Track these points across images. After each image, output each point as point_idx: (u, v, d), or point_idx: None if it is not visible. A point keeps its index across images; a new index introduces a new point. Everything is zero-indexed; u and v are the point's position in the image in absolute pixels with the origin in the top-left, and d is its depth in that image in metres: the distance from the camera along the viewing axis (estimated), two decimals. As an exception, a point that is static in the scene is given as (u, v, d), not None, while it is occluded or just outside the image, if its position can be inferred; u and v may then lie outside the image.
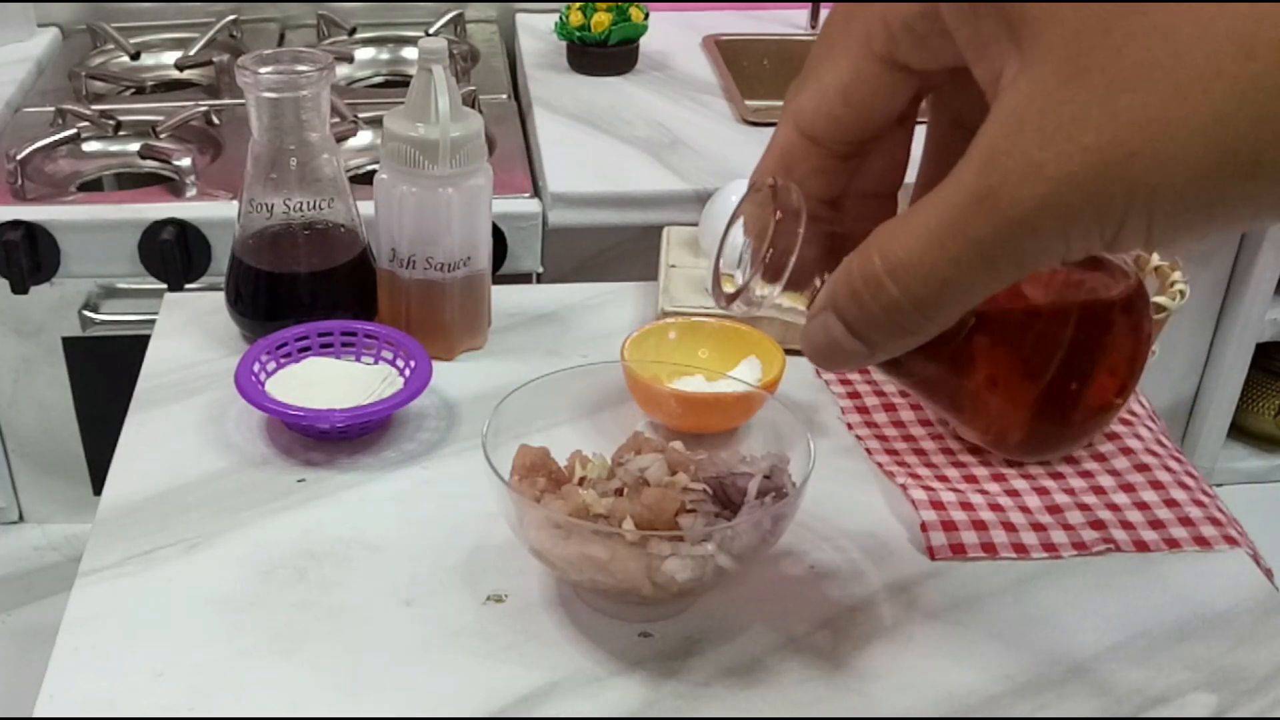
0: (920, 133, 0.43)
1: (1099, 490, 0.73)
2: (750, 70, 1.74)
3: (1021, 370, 0.41)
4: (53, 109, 1.48)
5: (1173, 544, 0.69)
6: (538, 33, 1.70)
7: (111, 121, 1.45)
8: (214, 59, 1.60)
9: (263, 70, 0.76)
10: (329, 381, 0.76)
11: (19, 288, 1.30)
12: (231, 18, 1.71)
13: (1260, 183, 0.30)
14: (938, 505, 0.70)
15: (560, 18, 1.58)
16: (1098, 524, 0.70)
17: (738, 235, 0.43)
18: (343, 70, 1.68)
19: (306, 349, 0.79)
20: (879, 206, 0.43)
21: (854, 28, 0.38)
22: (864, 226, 0.38)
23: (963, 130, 0.38)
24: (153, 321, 0.88)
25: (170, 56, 1.67)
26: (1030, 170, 0.31)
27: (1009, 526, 0.70)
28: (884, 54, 0.38)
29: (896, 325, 0.36)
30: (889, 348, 0.38)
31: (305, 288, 0.82)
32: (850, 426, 0.78)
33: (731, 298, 0.42)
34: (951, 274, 0.34)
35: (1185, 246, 0.33)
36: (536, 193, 1.33)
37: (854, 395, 0.81)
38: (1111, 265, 0.41)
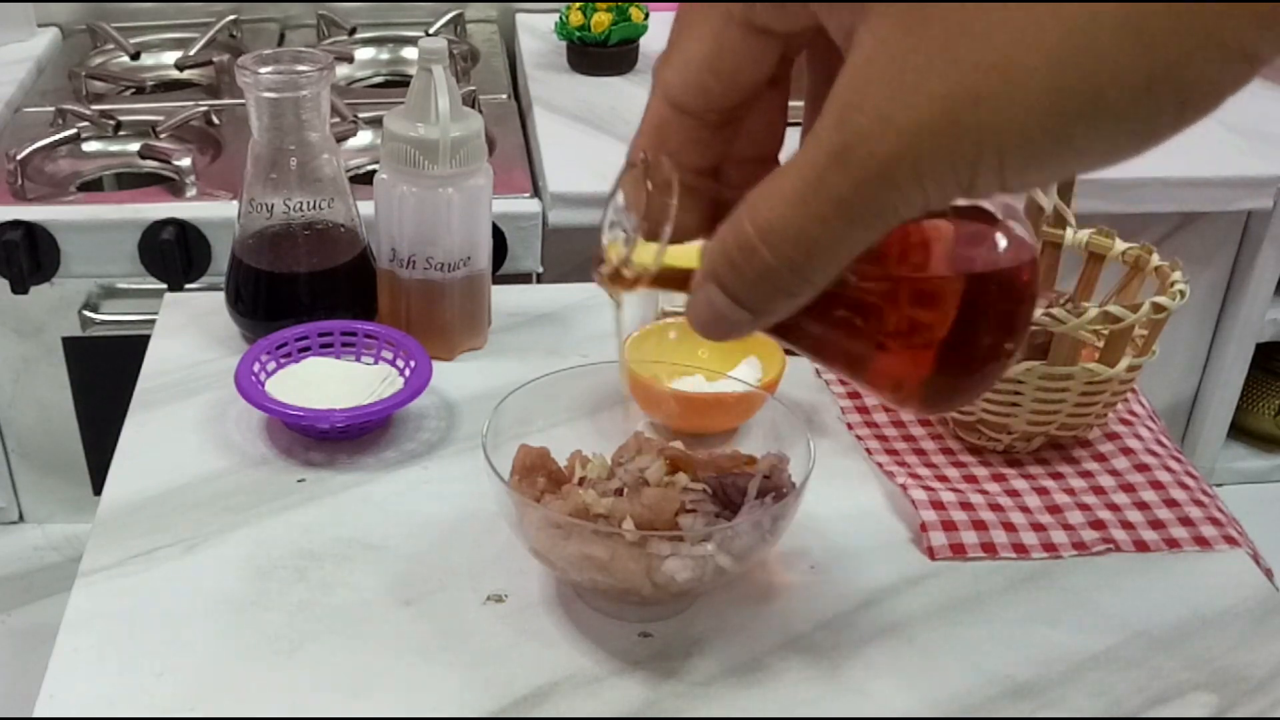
0: None
1: (1099, 490, 0.73)
2: (750, 70, 1.74)
3: (916, 329, 0.41)
4: (53, 109, 1.48)
5: (1173, 544, 0.69)
6: (538, 33, 1.70)
7: (111, 121, 1.45)
8: (214, 59, 1.60)
9: (263, 70, 0.76)
10: (329, 381, 0.76)
11: (19, 288, 1.30)
12: (231, 18, 1.71)
13: (1105, 121, 0.30)
14: (938, 505, 0.70)
15: (560, 18, 1.58)
16: (1098, 524, 0.70)
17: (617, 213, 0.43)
18: (343, 70, 1.68)
19: (306, 349, 0.79)
20: (761, 171, 0.43)
21: None
22: (746, 193, 0.38)
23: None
24: (153, 321, 0.88)
25: (170, 56, 1.67)
26: (880, 123, 0.32)
27: (1009, 526, 0.70)
28: (743, 20, 0.38)
29: (775, 289, 0.37)
30: (772, 312, 0.38)
31: (305, 288, 0.82)
32: (850, 426, 0.78)
33: (610, 277, 0.42)
34: (819, 233, 0.34)
35: (1040, 184, 0.33)
36: (536, 193, 1.33)
37: (854, 395, 0.81)
38: (994, 217, 0.41)
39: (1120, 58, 0.29)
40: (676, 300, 0.86)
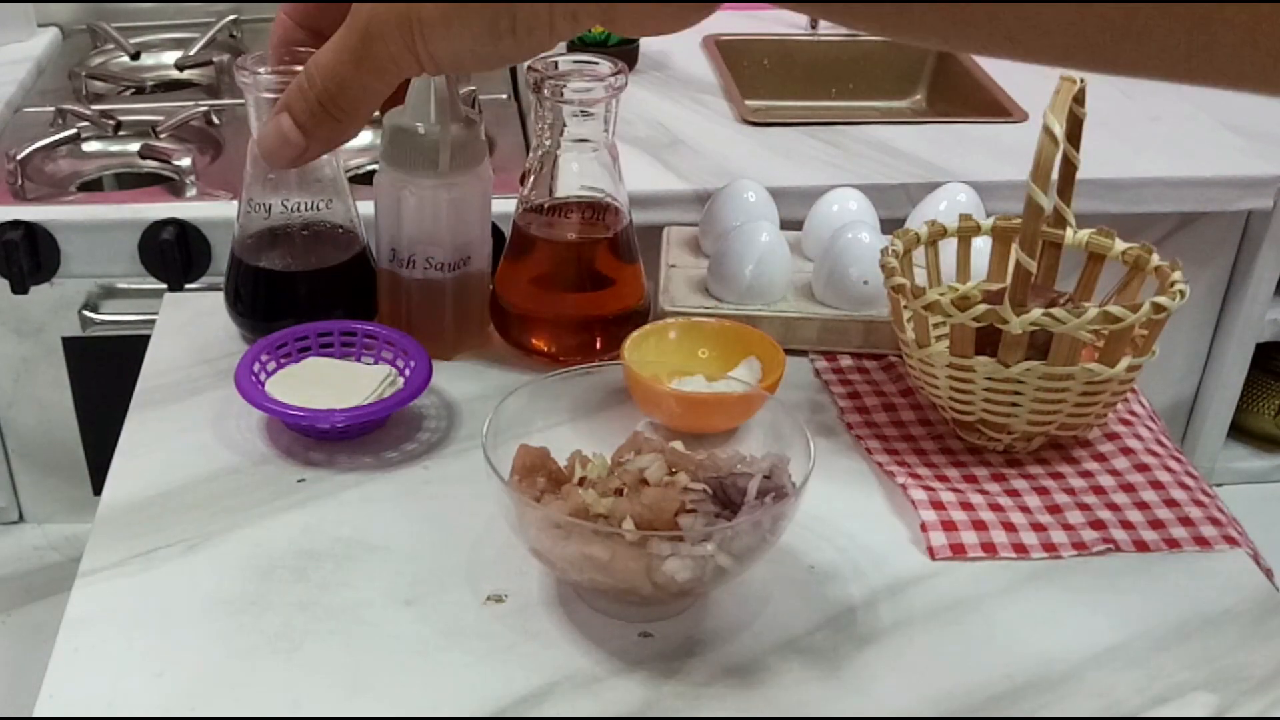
0: None
1: (1099, 490, 0.73)
2: (750, 70, 1.74)
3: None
4: (53, 109, 1.48)
5: (1173, 544, 0.69)
6: (538, 33, 1.70)
7: (111, 121, 1.45)
8: (214, 59, 1.60)
9: (262, 70, 0.76)
10: (329, 381, 0.76)
11: (19, 288, 1.30)
12: (231, 18, 1.71)
13: (465, 24, 0.46)
14: (938, 505, 0.70)
15: (560, 18, 1.58)
16: (1098, 524, 0.70)
17: None
18: (343, 70, 1.68)
19: (306, 349, 0.79)
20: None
21: None
22: None
23: None
24: (153, 321, 0.88)
25: (170, 56, 1.68)
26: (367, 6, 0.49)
27: (1009, 526, 0.70)
28: None
29: (324, 113, 0.52)
30: (321, 136, 0.53)
31: (304, 287, 0.82)
32: (850, 426, 0.78)
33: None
34: (345, 72, 0.50)
35: (463, 56, 0.47)
36: (536, 193, 1.32)
37: (854, 395, 0.81)
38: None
39: None
40: (677, 300, 0.86)
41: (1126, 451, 0.76)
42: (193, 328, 0.87)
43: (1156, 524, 0.70)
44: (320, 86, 0.51)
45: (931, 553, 0.68)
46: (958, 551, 0.68)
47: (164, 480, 0.72)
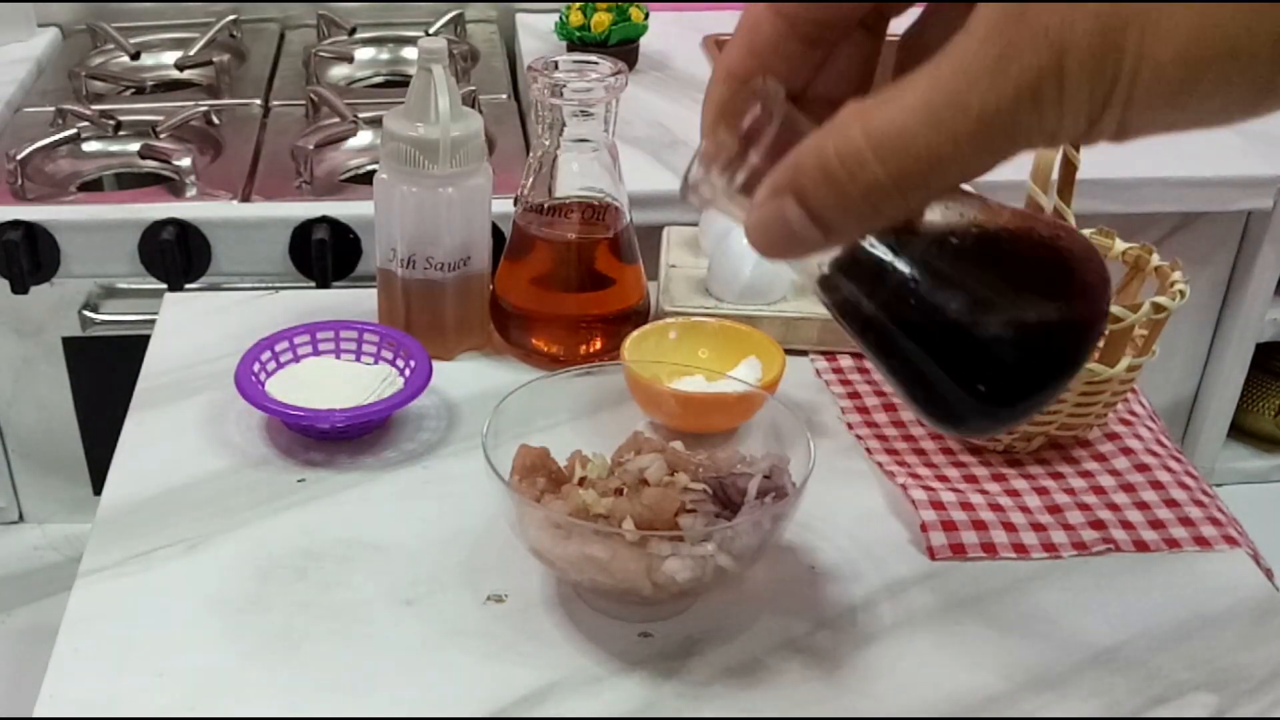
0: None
1: (1099, 490, 0.73)
2: (750, 70, 1.74)
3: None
4: (53, 109, 1.48)
5: (1173, 544, 0.69)
6: (538, 33, 1.70)
7: (111, 121, 1.44)
8: (214, 59, 1.60)
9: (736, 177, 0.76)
10: (329, 381, 0.76)
11: (19, 288, 1.30)
12: (231, 18, 1.71)
13: (1232, 71, 0.31)
14: (938, 505, 0.70)
15: (560, 18, 1.58)
16: (1098, 524, 0.70)
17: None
18: (343, 70, 1.68)
19: (307, 349, 0.79)
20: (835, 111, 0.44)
21: None
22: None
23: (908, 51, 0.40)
24: (153, 321, 0.88)
25: (170, 56, 1.67)
26: (1037, 35, 0.32)
27: (1009, 526, 0.70)
28: None
29: (871, 207, 0.35)
30: (849, 234, 0.37)
31: None
32: (850, 426, 0.78)
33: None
34: (948, 150, 0.33)
35: (1152, 131, 0.34)
36: (536, 193, 1.33)
37: (854, 395, 0.81)
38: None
39: (1262, 8, 0.30)
40: (677, 300, 0.86)
41: (1126, 451, 0.76)
42: (193, 328, 0.87)
43: (1156, 524, 0.70)
44: (882, 170, 0.34)
45: (931, 553, 0.68)
46: (958, 551, 0.68)
47: (164, 480, 0.72)
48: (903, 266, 0.38)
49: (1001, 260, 0.40)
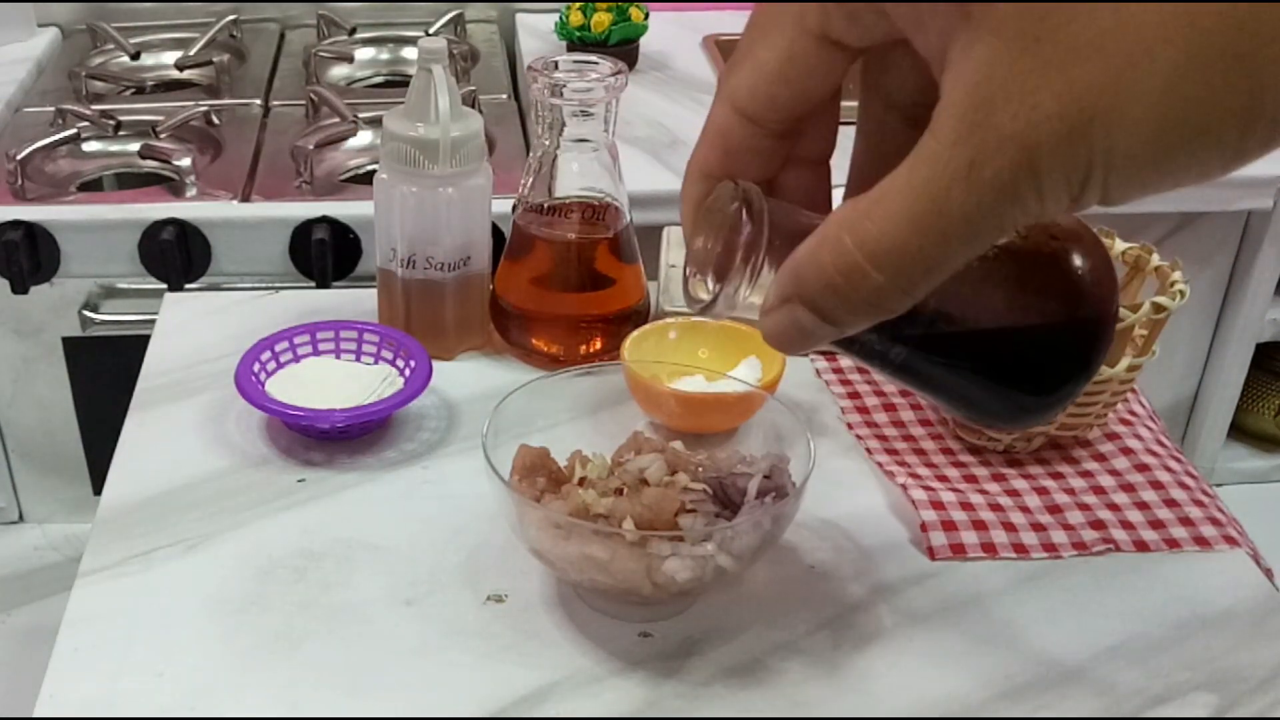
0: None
1: (1099, 490, 0.73)
2: (750, 70, 1.74)
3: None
4: (53, 109, 1.48)
5: (1173, 544, 0.69)
6: (538, 33, 1.70)
7: (111, 121, 1.44)
8: (214, 59, 1.60)
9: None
10: (329, 381, 0.76)
11: (19, 288, 1.30)
12: (231, 18, 1.71)
13: (1206, 146, 0.31)
14: (938, 505, 0.70)
15: (560, 18, 1.58)
16: (1098, 524, 0.70)
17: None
18: (343, 70, 1.68)
19: (307, 349, 0.79)
20: (812, 175, 0.44)
21: (788, 6, 0.39)
22: (800, 199, 0.40)
23: (895, 111, 0.40)
24: (153, 321, 0.88)
25: (170, 56, 1.67)
26: (1004, 140, 0.32)
27: (1009, 526, 0.70)
28: (818, 31, 0.38)
29: (878, 307, 0.36)
30: (861, 327, 0.38)
31: None
32: (850, 426, 0.78)
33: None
34: (939, 253, 0.34)
35: (1134, 199, 0.34)
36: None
37: (854, 395, 0.81)
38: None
39: (1225, 84, 0.30)
40: (677, 300, 0.86)
41: (1126, 451, 0.76)
42: (193, 328, 0.87)
43: (1156, 524, 0.70)
44: (884, 278, 0.35)
45: (931, 553, 0.68)
46: (958, 551, 0.68)
47: (164, 480, 0.72)
48: (924, 307, 0.39)
49: (1020, 276, 0.41)
